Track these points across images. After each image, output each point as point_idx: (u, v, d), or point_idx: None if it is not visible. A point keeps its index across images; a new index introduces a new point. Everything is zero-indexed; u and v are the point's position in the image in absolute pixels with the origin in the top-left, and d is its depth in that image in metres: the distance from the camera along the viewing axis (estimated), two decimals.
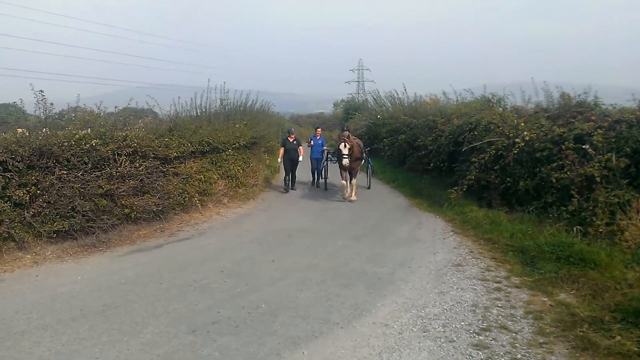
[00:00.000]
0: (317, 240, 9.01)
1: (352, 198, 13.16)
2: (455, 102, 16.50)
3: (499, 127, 10.78)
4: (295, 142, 15.27)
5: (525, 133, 9.75)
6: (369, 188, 15.20)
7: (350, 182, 13.26)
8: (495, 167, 10.33)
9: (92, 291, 6.42)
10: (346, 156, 12.61)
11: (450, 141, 12.70)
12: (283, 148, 15.26)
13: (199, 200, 11.12)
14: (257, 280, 6.82)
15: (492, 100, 13.98)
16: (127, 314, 5.64)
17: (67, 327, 5.29)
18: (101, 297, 6.16)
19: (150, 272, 7.19)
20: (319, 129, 16.56)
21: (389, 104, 24.21)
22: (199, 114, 14.48)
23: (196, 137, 11.67)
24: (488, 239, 8.64)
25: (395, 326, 5.22)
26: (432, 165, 13.79)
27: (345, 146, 12.66)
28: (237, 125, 14.25)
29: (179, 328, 5.25)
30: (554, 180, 8.64)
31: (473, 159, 10.76)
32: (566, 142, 8.81)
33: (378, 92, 26.97)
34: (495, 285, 6.49)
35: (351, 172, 13.15)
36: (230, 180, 13.04)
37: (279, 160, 15.92)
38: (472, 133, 11.50)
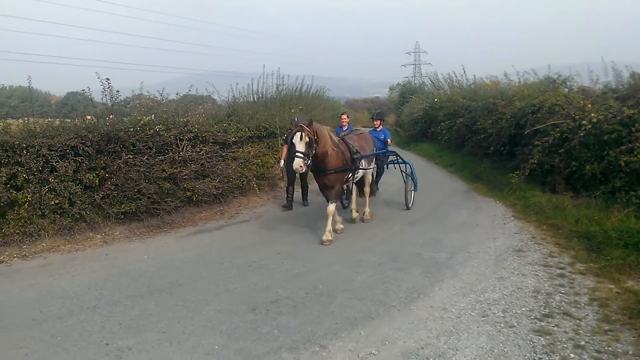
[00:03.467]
0: (373, 224, 8.99)
1: (324, 239, 7.77)
2: (517, 84, 15.87)
3: (564, 109, 10.28)
4: None
5: (593, 115, 9.25)
6: (408, 208, 10.27)
7: (328, 207, 7.93)
8: (559, 151, 9.89)
9: (157, 269, 6.73)
10: (300, 155, 7.20)
11: (511, 124, 12.24)
12: (287, 146, 10.14)
13: (256, 184, 11.34)
14: (313, 263, 6.92)
15: (557, 81, 13.34)
16: (191, 291, 5.88)
17: (135, 302, 5.58)
18: (166, 275, 6.45)
19: (212, 253, 7.45)
20: (344, 116, 11.21)
21: (447, 87, 23.61)
22: (255, 99, 14.73)
23: (253, 122, 11.87)
24: (551, 225, 8.33)
25: (453, 310, 5.16)
26: (492, 149, 13.35)
27: (301, 138, 7.21)
28: (292, 110, 14.35)
29: (239, 306, 5.41)
30: (623, 164, 8.20)
31: (536, 142, 10.33)
32: (636, 124, 8.33)
33: (436, 75, 26.22)
34: (559, 271, 6.26)
35: (325, 190, 8.08)
36: None
37: (281, 164, 10.49)
38: (535, 115, 11.03)
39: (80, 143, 8.27)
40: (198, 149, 9.87)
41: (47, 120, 9.82)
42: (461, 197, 11.70)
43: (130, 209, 8.67)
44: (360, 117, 54.51)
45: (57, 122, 9.09)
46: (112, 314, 5.28)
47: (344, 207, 10.20)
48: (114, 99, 9.95)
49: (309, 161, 7.39)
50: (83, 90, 10.52)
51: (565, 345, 4.36)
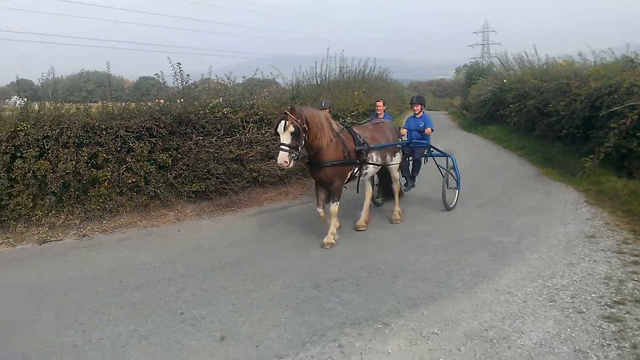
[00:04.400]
0: (435, 207, 8.88)
1: (325, 242, 6.84)
2: (592, 64, 15.02)
3: None
4: None
5: None
6: (447, 209, 8.65)
7: (329, 209, 6.94)
8: (637, 134, 9.34)
9: (226, 246, 7.04)
10: (285, 148, 6.19)
11: (585, 106, 11.63)
12: None
13: None
14: (376, 243, 7.00)
15: (636, 60, 12.50)
16: (258, 267, 6.12)
17: (207, 276, 5.88)
18: (235, 251, 6.73)
19: (277, 231, 7.68)
20: (379, 103, 10.09)
21: (517, 67, 22.68)
22: (319, 82, 14.84)
23: (316, 104, 11.96)
24: (627, 211, 7.93)
25: (520, 294, 5.07)
26: (564, 132, 12.73)
27: (284, 127, 6.20)
28: (355, 93, 14.37)
29: (304, 283, 5.58)
30: None
31: (612, 125, 9.80)
32: None
33: (505, 55, 25.22)
34: (633, 258, 5.97)
35: (321, 187, 6.98)
36: None
37: None
38: (611, 96, 10.44)
39: (155, 125, 8.70)
40: (263, 131, 10.11)
41: (123, 103, 10.36)
42: (531, 181, 11.31)
43: (201, 188, 9.06)
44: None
45: (133, 105, 9.60)
46: (186, 286, 5.60)
47: (376, 204, 8.99)
48: (184, 82, 10.36)
49: (297, 154, 6.33)
50: (156, 74, 11.00)
51: (636, 333, 4.20)
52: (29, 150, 7.70)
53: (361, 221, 7.65)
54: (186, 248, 7.03)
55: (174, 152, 8.88)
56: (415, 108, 9.46)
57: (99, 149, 8.24)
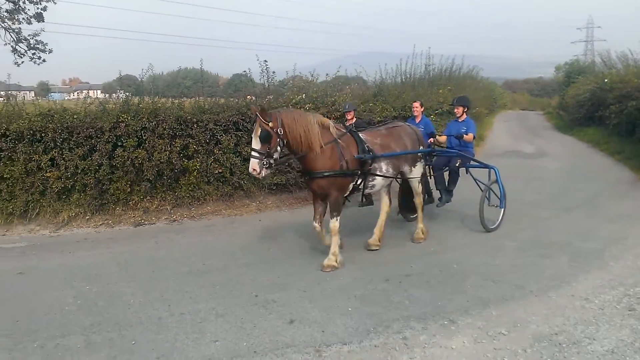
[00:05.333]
0: (520, 208, 8.56)
1: (325, 264, 5.88)
2: None
3: None
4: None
5: None
6: (487, 231, 7.30)
7: (328, 226, 6.05)
8: None
9: (301, 237, 7.28)
10: (255, 155, 5.49)
11: None
12: None
13: None
14: (449, 242, 6.97)
15: None
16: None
17: (282, 263, 6.18)
18: (310, 242, 6.95)
19: (352, 226, 7.78)
20: (415, 104, 8.85)
21: (620, 66, 21.04)
22: (403, 80, 14.76)
23: (399, 102, 11.96)
24: None
25: (597, 301, 4.84)
26: None
27: (257, 132, 5.51)
28: (440, 91, 14.14)
29: (374, 276, 5.70)
30: None
31: None
32: None
33: (608, 53, 23.46)
34: None
35: (316, 199, 6.19)
36: None
37: None
38: None
39: (241, 119, 9.17)
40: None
41: (214, 98, 10.99)
42: (626, 187, 10.58)
43: (281, 181, 9.42)
44: (519, 99, 50.86)
45: (222, 100, 10.17)
46: (261, 271, 5.92)
47: (407, 219, 7.96)
48: (270, 79, 10.80)
49: (269, 161, 5.53)
50: (244, 71, 11.54)
51: None
52: (128, 140, 8.43)
53: (373, 239, 6.61)
54: (265, 237, 7.38)
55: None
56: (456, 110, 8.20)
57: (190, 140, 8.83)
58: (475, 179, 7.88)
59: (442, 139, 8.18)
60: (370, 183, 6.27)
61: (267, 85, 10.84)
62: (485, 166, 7.78)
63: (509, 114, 36.02)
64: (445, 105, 13.51)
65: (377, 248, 6.55)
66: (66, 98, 24.10)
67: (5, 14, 15.94)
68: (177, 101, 9.80)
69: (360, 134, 6.22)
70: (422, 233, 6.99)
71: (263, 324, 4.55)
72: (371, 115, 10.87)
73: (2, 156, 8.04)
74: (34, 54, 17.10)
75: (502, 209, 7.59)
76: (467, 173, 8.02)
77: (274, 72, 10.74)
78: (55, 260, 6.58)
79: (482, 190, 7.49)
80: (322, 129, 5.83)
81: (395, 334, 4.30)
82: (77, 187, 8.25)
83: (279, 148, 5.59)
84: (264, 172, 5.56)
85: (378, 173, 6.28)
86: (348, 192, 6.15)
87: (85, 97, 10.72)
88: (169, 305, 5.01)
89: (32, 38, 16.87)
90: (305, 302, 5.02)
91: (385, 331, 4.35)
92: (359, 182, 6.12)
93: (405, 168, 6.71)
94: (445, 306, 4.83)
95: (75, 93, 53.07)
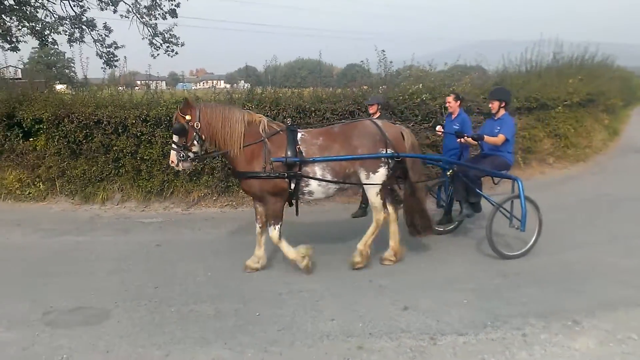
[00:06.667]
0: None
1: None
2: None
3: None
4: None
5: None
6: (503, 257, 5.90)
7: (270, 234, 5.60)
8: None
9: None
10: (174, 147, 5.44)
11: None
12: None
13: (521, 158, 10.90)
14: (572, 240, 6.59)
15: None
16: (442, 251, 6.27)
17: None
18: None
19: (472, 220, 7.61)
20: (449, 98, 7.62)
21: None
22: (528, 68, 13.92)
23: (523, 92, 11.33)
24: None
25: None
26: None
27: (173, 123, 5.86)
28: (570, 81, 13.13)
29: (490, 270, 5.57)
30: None
31: None
32: None
33: None
34: None
35: (255, 203, 5.81)
36: (558, 140, 12.23)
37: None
38: None
39: (357, 109, 9.29)
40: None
41: (330, 88, 11.23)
42: None
43: None
44: None
45: (339, 90, 10.36)
46: (375, 258, 5.98)
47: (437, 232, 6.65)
48: (387, 69, 10.79)
49: (187, 155, 5.37)
50: (361, 61, 11.64)
51: None
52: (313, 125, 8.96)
53: (388, 253, 5.89)
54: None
55: None
56: (491, 105, 6.66)
57: (309, 128, 9.12)
58: (485, 196, 6.34)
59: (470, 141, 6.76)
60: (305, 189, 5.50)
61: (383, 74, 10.84)
62: (507, 176, 6.38)
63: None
64: (575, 96, 12.58)
65: (390, 263, 5.83)
66: (193, 88, 26.01)
67: (144, 10, 17.53)
68: (296, 91, 10.18)
69: (301, 133, 5.59)
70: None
71: (377, 308, 4.65)
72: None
73: (142, 140, 8.91)
74: (168, 47, 18.60)
75: (534, 236, 6.07)
76: (495, 183, 6.75)
77: (391, 62, 10.72)
78: (187, 236, 7.21)
79: (494, 205, 6.03)
80: (250, 128, 5.43)
81: (513, 329, 4.19)
82: (205, 170, 8.92)
83: (196, 142, 5.38)
84: (181, 165, 5.44)
85: (313, 177, 5.44)
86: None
87: (210, 87, 11.50)
88: (289, 283, 5.29)
89: (167, 32, 18.39)
90: (418, 291, 5.04)
91: (503, 326, 4.25)
92: (292, 187, 5.47)
93: (361, 174, 5.55)
94: (566, 306, 4.61)
95: (201, 83, 57.09)
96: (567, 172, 11.42)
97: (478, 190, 6.34)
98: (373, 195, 5.62)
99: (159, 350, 3.98)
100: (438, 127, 7.43)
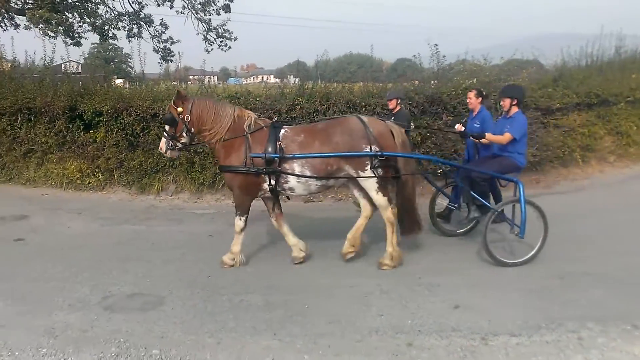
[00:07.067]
0: None
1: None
2: None
3: None
4: (394, 120, 7.06)
5: None
6: (500, 264, 5.55)
7: (283, 220, 5.95)
8: None
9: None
10: (165, 134, 5.77)
11: None
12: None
13: (580, 156, 10.48)
14: (630, 244, 6.25)
15: None
16: (508, 250, 6.06)
17: (448, 248, 6.12)
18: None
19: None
20: (470, 94, 7.11)
21: None
22: (588, 63, 13.32)
23: (583, 88, 10.86)
24: None
25: None
26: None
27: (165, 114, 6.59)
28: (633, 76, 12.47)
29: (547, 272, 5.37)
30: None
31: None
32: None
33: None
34: None
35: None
36: (620, 138, 11.65)
37: None
38: None
39: (408, 104, 9.17)
40: None
41: (380, 83, 11.14)
42: None
43: (448, 169, 9.20)
44: None
45: (389, 85, 10.27)
46: (426, 255, 5.96)
47: (443, 231, 6.79)
48: (440, 63, 10.59)
49: (174, 144, 5.66)
50: (414, 55, 11.47)
51: None
52: (301, 122, 8.95)
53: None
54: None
55: (424, 130, 9.21)
56: (502, 103, 6.26)
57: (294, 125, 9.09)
58: (481, 200, 6.05)
59: (486, 139, 6.15)
60: (285, 185, 5.50)
61: (436, 69, 10.66)
62: (509, 179, 5.91)
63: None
64: (637, 92, 11.94)
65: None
66: (243, 82, 26.44)
67: (199, 5, 17.95)
68: (347, 85, 10.17)
69: (284, 130, 5.56)
70: (391, 259, 5.61)
71: (427, 306, 4.60)
72: (550, 102, 10.06)
73: None
74: (221, 42, 18.97)
75: (539, 243, 5.65)
76: (502, 185, 6.41)
77: (444, 56, 10.52)
78: None
79: (491, 208, 5.84)
80: (236, 123, 5.54)
81: (569, 332, 4.04)
82: None
83: (184, 134, 5.60)
84: (169, 154, 5.76)
85: (292, 173, 5.41)
86: (263, 193, 5.64)
87: (261, 82, 11.65)
88: (336, 277, 5.31)
89: (220, 27, 18.76)
90: (470, 289, 4.94)
91: (558, 328, 4.11)
92: (270, 182, 5.48)
93: (350, 172, 5.48)
94: (628, 311, 4.39)
95: (251, 78, 57.96)
96: (629, 171, 10.88)
97: (473, 193, 6.08)
98: (374, 194, 5.53)
99: (211, 338, 4.08)
100: (457, 126, 7.09)
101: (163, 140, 5.71)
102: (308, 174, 5.41)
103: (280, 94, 9.54)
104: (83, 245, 6.57)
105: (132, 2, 17.39)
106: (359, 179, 5.49)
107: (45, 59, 11.56)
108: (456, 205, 6.95)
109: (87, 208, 8.43)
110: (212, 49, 18.81)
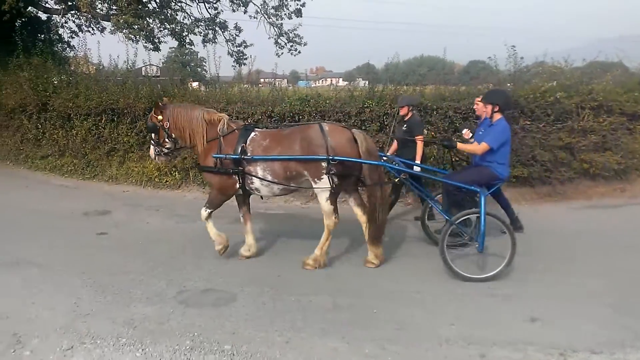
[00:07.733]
0: None
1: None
2: None
3: None
4: (406, 127, 7.36)
5: None
6: (462, 279, 5.22)
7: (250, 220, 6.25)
8: None
9: (542, 234, 6.78)
10: (152, 142, 6.33)
11: None
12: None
13: None
14: None
15: None
16: (572, 260, 5.80)
17: (520, 257, 5.80)
18: (553, 240, 6.43)
19: (604, 230, 7.00)
20: (477, 99, 7.21)
21: None
22: None
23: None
24: None
25: None
26: None
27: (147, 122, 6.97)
28: None
29: (629, 285, 5.08)
30: None
31: None
32: None
33: None
34: None
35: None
36: None
37: None
38: None
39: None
40: (601, 120, 9.14)
41: (453, 87, 10.87)
42: None
43: (523, 174, 8.84)
44: None
45: (462, 88, 10.00)
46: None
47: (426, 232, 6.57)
48: (517, 65, 10.17)
49: (162, 150, 6.18)
50: (488, 57, 11.09)
51: None
52: (371, 125, 8.95)
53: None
54: None
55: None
56: (485, 109, 5.92)
57: (429, 127, 8.91)
58: (440, 210, 5.77)
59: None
60: (251, 185, 5.77)
61: (512, 71, 10.25)
62: (470, 189, 5.49)
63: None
64: None
65: (372, 266, 5.70)
66: (312, 85, 26.72)
67: (272, 10, 18.37)
68: (418, 88, 10.00)
69: (254, 133, 5.80)
70: (314, 260, 5.73)
71: (500, 317, 4.43)
72: (636, 107, 9.41)
73: None
74: (291, 46, 19.31)
75: (506, 259, 5.24)
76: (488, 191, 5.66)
77: (522, 58, 10.10)
78: (305, 228, 7.40)
79: (447, 220, 5.45)
80: (210, 126, 5.89)
81: None
82: None
83: (167, 140, 6.10)
84: (157, 159, 6.32)
85: (255, 175, 5.65)
86: (235, 192, 5.90)
87: (330, 85, 11.71)
88: (404, 282, 5.24)
89: (291, 32, 19.09)
90: (547, 301, 4.71)
91: None
92: (240, 182, 5.78)
93: (309, 178, 5.55)
94: None
95: (320, 81, 58.46)
96: None
97: (430, 200, 6.05)
98: (323, 200, 5.60)
99: (280, 336, 4.14)
100: (465, 131, 6.78)
101: (152, 148, 6.27)
102: (269, 177, 5.65)
103: (350, 96, 9.55)
104: (160, 240, 6.87)
105: (209, 8, 18.07)
106: (314, 186, 5.55)
107: (128, 63, 12.27)
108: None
109: (164, 205, 8.82)
110: (282, 53, 19.19)
